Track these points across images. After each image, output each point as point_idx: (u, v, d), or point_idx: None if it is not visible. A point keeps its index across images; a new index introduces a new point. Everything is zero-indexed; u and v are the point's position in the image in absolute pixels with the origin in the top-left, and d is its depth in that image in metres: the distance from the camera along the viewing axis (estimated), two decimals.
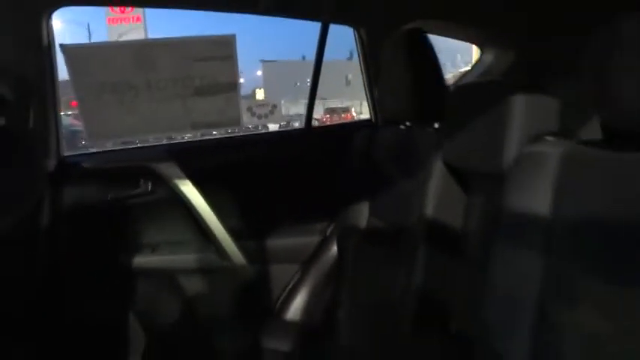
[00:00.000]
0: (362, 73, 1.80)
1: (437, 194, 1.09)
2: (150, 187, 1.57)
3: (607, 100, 0.67)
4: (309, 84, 1.90)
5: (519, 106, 0.85)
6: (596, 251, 0.67)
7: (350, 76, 17.14)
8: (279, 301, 1.74)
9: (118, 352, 1.52)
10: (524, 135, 0.84)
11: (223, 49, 1.54)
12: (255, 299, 1.70)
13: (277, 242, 1.73)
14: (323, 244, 1.75)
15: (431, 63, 1.23)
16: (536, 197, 0.74)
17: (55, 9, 1.33)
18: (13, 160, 1.16)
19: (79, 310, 1.47)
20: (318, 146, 1.81)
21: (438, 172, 1.09)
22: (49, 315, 1.41)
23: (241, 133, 1.80)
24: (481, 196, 1.05)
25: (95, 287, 1.51)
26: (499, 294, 0.79)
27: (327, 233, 1.75)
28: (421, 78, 1.21)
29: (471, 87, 1.14)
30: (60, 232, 1.46)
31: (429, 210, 1.09)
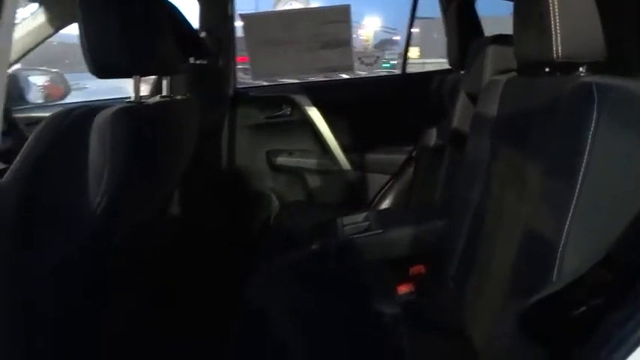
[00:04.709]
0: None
1: (460, 112, 1.62)
2: (289, 112, 2.32)
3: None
4: None
5: (490, 53, 1.36)
6: (512, 133, 1.10)
7: None
8: (374, 201, 2.40)
9: (264, 216, 2.33)
10: (493, 70, 1.35)
11: (341, 15, 2.18)
12: (356, 196, 2.38)
13: (375, 157, 2.37)
14: (408, 161, 2.34)
15: (473, 27, 1.73)
16: (490, 105, 1.21)
17: None
18: (212, 85, 1.97)
19: (245, 178, 2.30)
20: (409, 87, 2.38)
21: (461, 98, 1.62)
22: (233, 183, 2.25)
23: (353, 76, 2.45)
24: None
25: (251, 173, 2.33)
26: (468, 163, 1.31)
27: (413, 154, 2.34)
28: (463, 38, 1.72)
29: (475, 43, 1.60)
30: (234, 135, 2.29)
31: (455, 123, 1.64)
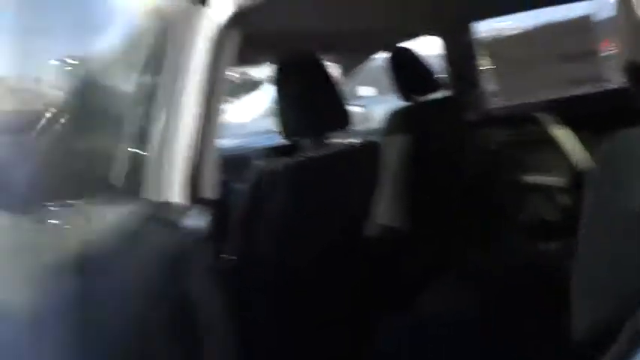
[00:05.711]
0: None
1: None
2: (534, 129, 2.29)
3: None
4: None
5: None
6: None
7: None
8: None
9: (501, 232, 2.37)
10: None
11: (581, 25, 2.06)
12: None
13: None
14: None
15: None
16: None
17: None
18: (448, 114, 2.22)
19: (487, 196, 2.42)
20: None
21: None
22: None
23: (602, 89, 2.18)
24: None
25: (493, 192, 2.41)
26: None
27: None
28: None
29: None
30: (478, 155, 2.43)
31: None
